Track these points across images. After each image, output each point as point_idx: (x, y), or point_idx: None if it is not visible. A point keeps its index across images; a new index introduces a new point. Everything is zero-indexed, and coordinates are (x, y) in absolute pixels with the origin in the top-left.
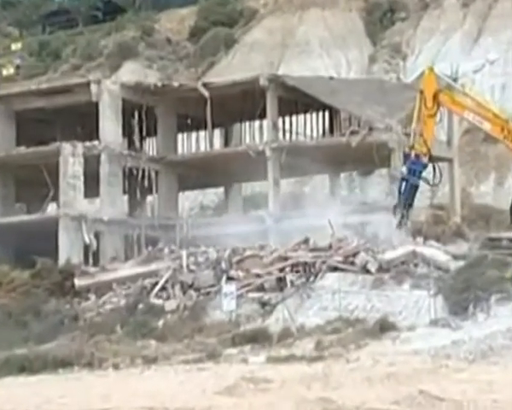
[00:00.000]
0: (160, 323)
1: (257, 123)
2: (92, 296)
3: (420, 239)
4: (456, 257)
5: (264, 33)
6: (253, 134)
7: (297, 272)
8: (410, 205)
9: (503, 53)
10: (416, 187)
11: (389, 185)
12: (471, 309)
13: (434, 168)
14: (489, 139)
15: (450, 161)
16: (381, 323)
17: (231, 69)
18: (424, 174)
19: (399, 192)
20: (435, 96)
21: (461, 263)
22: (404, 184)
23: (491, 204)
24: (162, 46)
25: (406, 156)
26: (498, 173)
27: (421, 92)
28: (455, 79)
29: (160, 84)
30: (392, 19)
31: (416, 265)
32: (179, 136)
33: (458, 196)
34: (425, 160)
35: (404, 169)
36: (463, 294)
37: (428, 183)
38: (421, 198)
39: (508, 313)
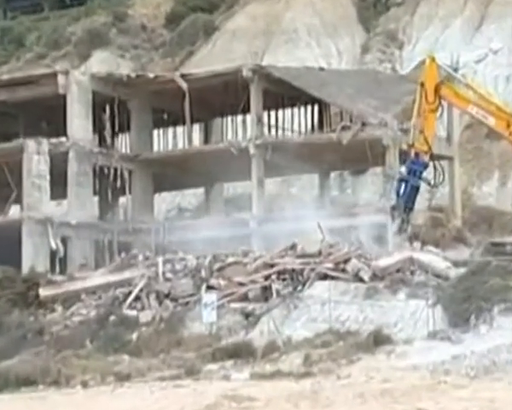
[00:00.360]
0: (134, 336)
1: (240, 118)
2: (59, 308)
3: (417, 244)
4: (456, 264)
5: (248, 20)
6: (236, 130)
7: (283, 280)
8: (411, 209)
9: (508, 41)
10: (416, 189)
11: (383, 185)
12: (473, 321)
13: (435, 168)
14: (492, 135)
15: (450, 159)
16: (374, 335)
17: (211, 59)
18: (424, 174)
19: (398, 195)
20: (437, 89)
21: (462, 270)
22: (403, 185)
23: (494, 206)
24: (136, 33)
25: (405, 155)
26: (502, 172)
27: (422, 85)
28: (455, 70)
29: (133, 75)
30: (386, 4)
31: (412, 272)
32: (155, 132)
33: (459, 198)
34: (426, 159)
35: (404, 169)
36: (464, 304)
37: (429, 184)
38: (419, 200)
39: None
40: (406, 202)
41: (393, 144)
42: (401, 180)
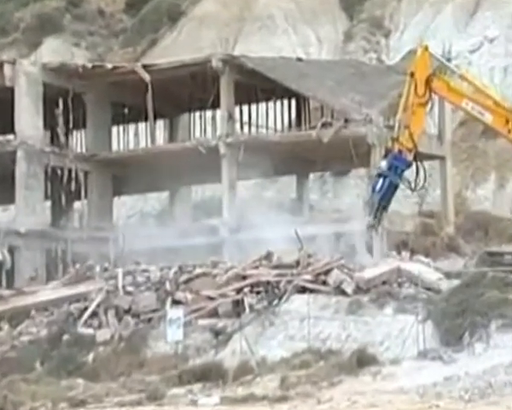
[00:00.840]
0: (90, 357)
1: (209, 113)
2: (5, 326)
3: (405, 253)
4: (448, 275)
5: (218, 4)
6: (204, 127)
7: (257, 293)
8: (385, 207)
9: (505, 29)
10: (395, 187)
11: (368, 188)
12: (467, 338)
13: (418, 170)
14: (488, 133)
15: (441, 158)
16: (358, 355)
17: (177, 48)
18: (406, 175)
19: (373, 190)
20: (428, 82)
21: (455, 282)
22: (381, 181)
23: (490, 211)
24: (92, 19)
25: (388, 151)
26: (499, 174)
27: (412, 75)
28: (447, 61)
29: (89, 65)
30: None
31: (400, 285)
32: (114, 129)
33: (451, 202)
34: (409, 157)
35: (384, 164)
36: (458, 320)
37: (410, 186)
38: (408, 204)
39: (511, 342)
40: (381, 199)
41: (379, 143)
42: (379, 175)
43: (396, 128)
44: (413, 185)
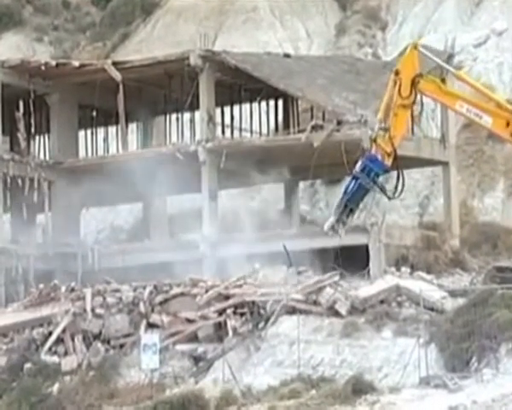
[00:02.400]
0: (55, 388)
1: (187, 116)
2: None
3: (405, 270)
4: (453, 293)
5: None
6: (182, 130)
7: (241, 315)
8: (352, 210)
9: None
10: (365, 190)
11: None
12: (474, 363)
13: (398, 176)
14: (496, 136)
15: (444, 164)
16: (354, 383)
17: (152, 43)
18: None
19: (345, 192)
20: (414, 82)
21: (460, 301)
22: (353, 182)
23: (498, 222)
24: (57, 12)
25: (364, 151)
26: (508, 181)
27: (397, 73)
28: (450, 56)
29: (53, 63)
30: None
31: (400, 304)
32: (81, 133)
33: (456, 212)
34: (387, 162)
35: (359, 165)
36: (464, 343)
37: (386, 194)
38: (408, 214)
39: None
40: (348, 201)
41: None
42: (353, 178)
43: (375, 129)
44: (391, 193)
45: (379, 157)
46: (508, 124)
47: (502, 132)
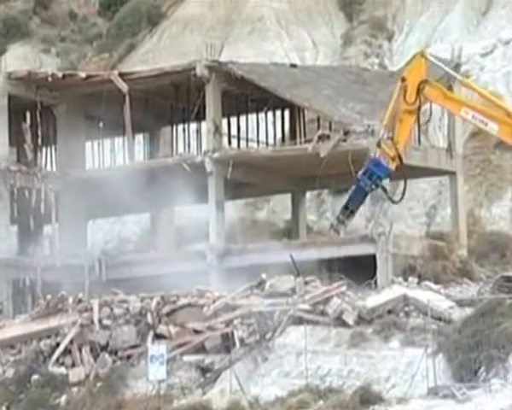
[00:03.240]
0: (63, 399)
1: (193, 126)
2: None
3: (413, 279)
4: (461, 303)
5: (203, 6)
6: (189, 141)
7: (249, 325)
8: (352, 212)
9: None
10: (364, 193)
11: (370, 208)
12: (483, 373)
13: (405, 181)
14: (503, 145)
15: (452, 174)
16: (362, 393)
17: (158, 54)
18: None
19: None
20: (419, 89)
21: (468, 311)
22: (354, 185)
23: (506, 231)
24: (63, 23)
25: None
26: None
27: (403, 80)
28: (457, 66)
29: (60, 74)
30: None
31: (407, 314)
32: (88, 144)
33: (463, 222)
34: (391, 166)
35: (362, 169)
36: (472, 353)
37: (389, 197)
38: (415, 224)
39: None
40: (348, 201)
41: None
42: (356, 180)
43: (381, 134)
44: (393, 197)
45: (382, 161)
46: None
47: (508, 139)
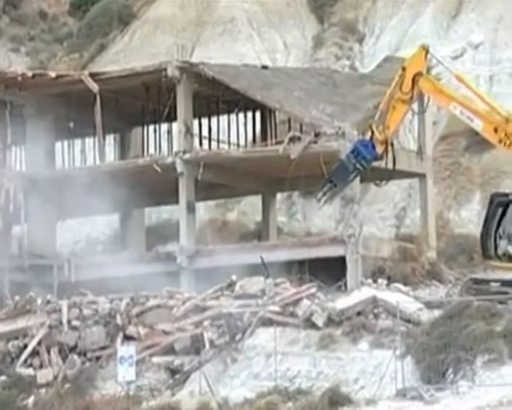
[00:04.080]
0: (30, 401)
1: (164, 127)
2: None
3: (382, 281)
4: (429, 305)
5: (174, 7)
6: (159, 142)
7: (218, 327)
8: (336, 186)
9: (491, 34)
10: (347, 171)
11: (341, 210)
12: (450, 375)
13: (394, 163)
14: (472, 148)
15: (421, 176)
16: (330, 395)
17: (129, 55)
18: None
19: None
20: (414, 80)
21: (436, 313)
22: (339, 162)
23: (475, 234)
24: (33, 22)
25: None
26: (485, 193)
27: (403, 69)
28: (428, 69)
29: (30, 74)
30: None
31: (376, 316)
32: (58, 145)
33: (433, 224)
34: (379, 150)
35: (349, 147)
36: (440, 355)
37: (376, 183)
38: (385, 226)
39: (499, 379)
40: (330, 174)
41: None
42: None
43: (376, 116)
44: (378, 182)
45: (370, 143)
46: (496, 130)
47: (491, 137)
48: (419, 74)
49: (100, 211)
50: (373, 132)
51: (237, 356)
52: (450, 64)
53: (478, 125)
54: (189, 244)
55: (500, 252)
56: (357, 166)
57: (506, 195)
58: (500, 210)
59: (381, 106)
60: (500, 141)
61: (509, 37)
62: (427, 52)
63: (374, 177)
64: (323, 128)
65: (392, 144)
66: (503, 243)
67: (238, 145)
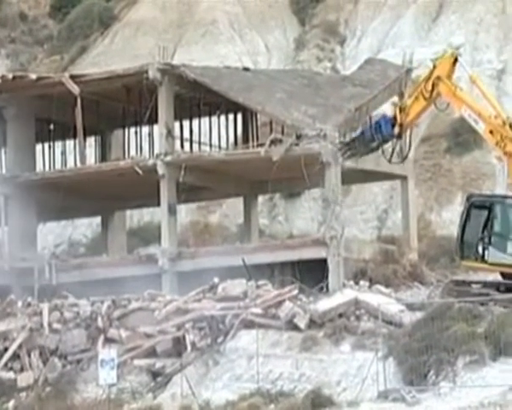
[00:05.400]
0: (11, 405)
1: (145, 129)
2: None
3: (364, 283)
4: (411, 307)
5: (155, 9)
6: (141, 144)
7: (200, 329)
8: (355, 144)
9: (472, 35)
10: (363, 134)
11: (322, 212)
12: (432, 377)
13: (409, 144)
14: (453, 149)
15: (403, 178)
16: (313, 397)
17: (110, 57)
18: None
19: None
20: (434, 82)
21: (418, 315)
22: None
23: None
24: (13, 24)
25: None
26: (466, 195)
27: (434, 67)
28: (409, 70)
29: (10, 76)
30: None
31: (358, 318)
32: (38, 147)
33: (414, 226)
34: (395, 130)
35: (375, 118)
36: (422, 356)
37: (383, 154)
38: (367, 228)
39: (480, 381)
40: (355, 135)
41: (335, 161)
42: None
43: (405, 98)
44: (389, 157)
45: (390, 122)
46: (491, 132)
47: (489, 140)
48: (439, 78)
49: (81, 214)
50: (396, 112)
51: (219, 359)
52: (430, 65)
53: (481, 127)
54: (170, 247)
55: (475, 253)
56: (372, 136)
57: (482, 196)
58: (476, 211)
59: (410, 91)
60: (497, 143)
61: (489, 39)
62: (455, 60)
63: (356, 178)
64: (305, 130)
65: (411, 131)
66: (478, 244)
67: (220, 147)
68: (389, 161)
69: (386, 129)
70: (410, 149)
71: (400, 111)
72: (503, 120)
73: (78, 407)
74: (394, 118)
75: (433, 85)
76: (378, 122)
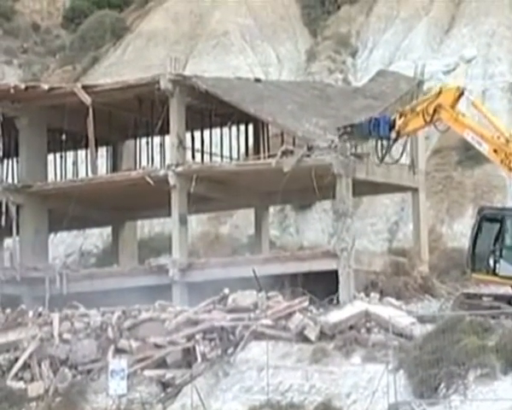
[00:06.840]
0: None
1: (157, 140)
2: None
3: (374, 295)
4: (422, 319)
5: (167, 20)
6: (152, 155)
7: (210, 340)
8: (351, 133)
9: (484, 48)
10: (357, 128)
11: (333, 223)
12: (443, 390)
13: (403, 149)
14: (464, 162)
15: (414, 190)
16: (323, 409)
17: (122, 67)
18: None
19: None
20: (436, 109)
21: (429, 328)
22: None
23: (467, 248)
24: (26, 34)
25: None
26: (477, 207)
27: (440, 91)
28: (420, 83)
29: (23, 86)
30: (337, 1)
31: (369, 330)
32: (50, 157)
33: (425, 238)
34: (392, 134)
35: (376, 115)
36: (432, 369)
37: (378, 154)
38: (377, 240)
39: (491, 394)
40: (350, 124)
41: (346, 173)
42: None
43: (408, 106)
44: (379, 153)
45: (389, 124)
46: (495, 151)
47: (494, 159)
48: (440, 106)
49: (92, 224)
50: (396, 117)
51: (229, 370)
52: (443, 78)
53: (485, 148)
54: (181, 257)
55: (486, 265)
56: (371, 132)
57: (493, 209)
58: (488, 224)
59: (415, 104)
60: (501, 161)
61: (501, 51)
62: (461, 94)
63: (367, 190)
64: (316, 141)
65: (396, 139)
66: (489, 257)
67: (231, 158)
68: (380, 160)
69: (384, 129)
70: (402, 155)
71: (400, 117)
72: (506, 138)
73: None
74: (394, 121)
75: (435, 111)
76: (378, 120)
